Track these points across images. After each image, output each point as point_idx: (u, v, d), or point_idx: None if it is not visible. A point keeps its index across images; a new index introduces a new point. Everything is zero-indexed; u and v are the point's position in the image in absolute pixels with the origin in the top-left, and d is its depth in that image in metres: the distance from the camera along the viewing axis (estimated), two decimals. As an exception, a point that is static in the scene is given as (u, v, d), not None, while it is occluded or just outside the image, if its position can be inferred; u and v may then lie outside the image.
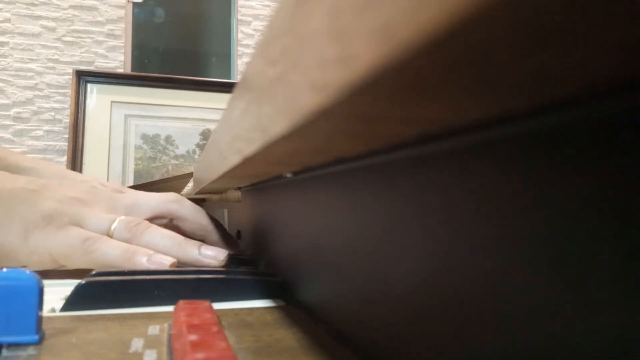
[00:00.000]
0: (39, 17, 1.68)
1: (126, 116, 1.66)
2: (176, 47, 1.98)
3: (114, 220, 0.37)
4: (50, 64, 1.69)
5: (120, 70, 1.74)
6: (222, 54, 1.96)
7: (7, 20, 1.65)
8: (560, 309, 0.10)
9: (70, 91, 1.63)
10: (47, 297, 0.21)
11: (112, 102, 1.64)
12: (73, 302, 0.27)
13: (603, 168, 0.09)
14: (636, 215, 0.08)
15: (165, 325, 0.23)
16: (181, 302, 0.23)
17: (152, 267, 0.33)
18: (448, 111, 0.10)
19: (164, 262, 0.34)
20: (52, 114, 1.68)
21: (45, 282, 0.21)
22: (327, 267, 0.23)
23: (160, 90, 1.67)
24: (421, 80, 0.08)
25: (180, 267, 0.35)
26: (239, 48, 1.89)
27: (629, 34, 0.06)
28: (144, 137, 1.67)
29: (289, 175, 0.26)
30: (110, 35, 1.75)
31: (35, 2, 1.68)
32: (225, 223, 0.62)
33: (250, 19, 1.91)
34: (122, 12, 1.77)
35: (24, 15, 1.67)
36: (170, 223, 0.41)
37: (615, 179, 0.09)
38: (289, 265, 0.30)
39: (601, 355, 0.09)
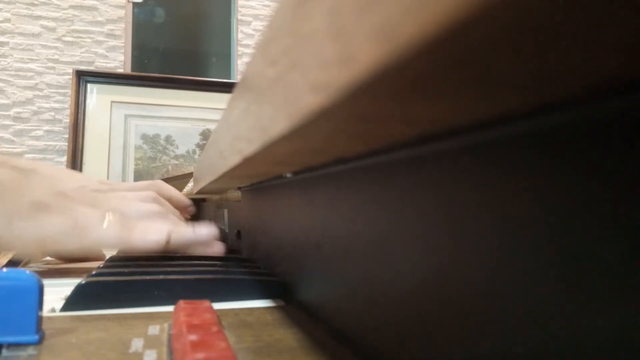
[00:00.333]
0: (39, 17, 1.68)
1: (126, 116, 1.66)
2: (176, 47, 1.98)
3: (104, 217, 0.38)
4: (50, 64, 1.69)
5: (120, 70, 1.74)
6: (222, 54, 1.96)
7: (7, 20, 1.65)
8: (560, 309, 0.10)
9: (70, 91, 1.63)
10: (47, 297, 0.21)
11: (112, 102, 1.64)
12: (73, 302, 0.27)
13: (603, 168, 0.09)
14: (636, 215, 0.08)
15: (165, 325, 0.23)
16: (181, 302, 0.23)
17: (147, 241, 0.36)
18: (448, 111, 0.10)
19: (161, 237, 0.36)
20: (52, 114, 1.68)
21: (45, 282, 0.21)
22: (327, 267, 0.23)
23: (160, 90, 1.67)
24: (421, 80, 0.08)
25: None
26: (239, 48, 1.89)
27: (629, 34, 0.06)
28: (144, 137, 1.67)
29: (289, 175, 0.26)
30: (110, 35, 1.75)
31: (35, 2, 1.68)
32: (225, 223, 0.62)
33: (250, 19, 1.91)
34: (122, 12, 1.77)
35: (24, 15, 1.67)
36: None
37: (615, 179, 0.09)
38: (289, 265, 0.30)
39: (601, 356, 0.09)
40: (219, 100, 1.69)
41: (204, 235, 0.39)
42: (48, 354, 0.19)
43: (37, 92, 1.67)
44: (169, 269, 0.33)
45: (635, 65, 0.07)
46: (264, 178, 0.31)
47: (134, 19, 1.80)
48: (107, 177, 1.56)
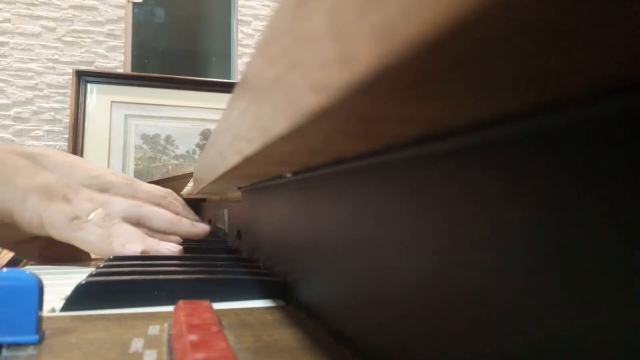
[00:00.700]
0: (39, 17, 1.68)
1: (126, 116, 1.66)
2: (176, 47, 1.98)
3: (93, 211, 0.43)
4: (50, 64, 1.69)
5: (120, 70, 1.74)
6: (222, 54, 1.96)
7: (7, 20, 1.65)
8: (560, 309, 0.10)
9: (70, 91, 1.63)
10: (47, 297, 0.21)
11: (112, 102, 1.64)
12: (73, 302, 0.27)
13: (603, 168, 0.09)
14: (636, 215, 0.08)
15: (165, 325, 0.23)
16: (181, 302, 0.23)
17: (126, 253, 0.40)
18: (448, 111, 0.10)
19: (136, 249, 0.41)
20: (52, 114, 1.68)
21: (45, 282, 0.21)
22: (327, 267, 0.23)
23: (160, 90, 1.67)
24: (421, 81, 0.08)
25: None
26: (239, 48, 1.89)
27: (629, 34, 0.06)
28: (144, 137, 1.67)
29: (289, 175, 0.26)
30: (110, 35, 1.75)
31: (35, 2, 1.68)
32: (225, 223, 0.62)
33: (250, 19, 1.91)
34: (122, 12, 1.77)
35: (24, 15, 1.67)
36: (139, 222, 0.47)
37: (615, 179, 0.09)
38: (289, 265, 0.30)
39: (601, 356, 0.09)
40: (219, 100, 1.69)
41: (165, 249, 0.42)
42: (48, 354, 0.19)
43: (37, 92, 1.67)
44: (169, 269, 0.33)
45: (635, 65, 0.07)
46: (264, 178, 0.31)
47: (134, 19, 1.81)
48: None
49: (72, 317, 0.25)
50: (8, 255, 1.11)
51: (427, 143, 0.14)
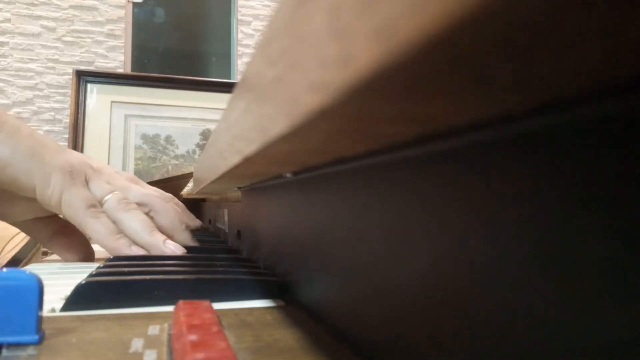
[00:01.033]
0: (39, 17, 1.68)
1: (126, 116, 1.66)
2: (176, 47, 1.98)
3: (111, 192, 0.45)
4: (50, 64, 1.69)
5: (120, 70, 1.74)
6: (222, 54, 1.96)
7: (7, 20, 1.65)
8: (559, 308, 0.10)
9: (70, 91, 1.63)
10: (47, 297, 0.21)
11: (112, 102, 1.64)
12: (73, 302, 0.27)
13: (603, 168, 0.09)
14: (636, 215, 0.08)
15: (165, 325, 0.23)
16: (181, 302, 0.23)
17: (129, 254, 0.41)
18: (448, 111, 0.10)
19: (139, 252, 0.42)
20: (52, 114, 1.68)
21: (45, 282, 0.21)
22: (327, 267, 0.23)
23: (160, 90, 1.67)
24: (421, 80, 0.08)
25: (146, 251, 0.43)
26: (239, 48, 1.89)
27: (628, 34, 0.06)
28: (144, 137, 1.67)
29: (289, 175, 0.26)
30: (110, 35, 1.75)
31: (35, 2, 1.68)
32: (225, 223, 0.62)
33: (250, 19, 1.91)
34: (122, 12, 1.77)
35: (24, 15, 1.67)
36: (148, 213, 0.49)
37: (615, 179, 0.09)
38: (289, 265, 0.30)
39: (601, 356, 0.09)
40: (219, 100, 1.69)
41: (169, 248, 0.43)
42: (48, 354, 0.19)
43: (37, 92, 1.67)
44: (169, 269, 0.33)
45: (635, 65, 0.07)
46: (263, 178, 0.31)
47: (134, 19, 1.81)
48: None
49: (72, 317, 0.25)
50: (8, 255, 1.11)
51: (427, 143, 0.14)
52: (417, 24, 0.06)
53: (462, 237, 0.13)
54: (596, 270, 0.09)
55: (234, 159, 0.21)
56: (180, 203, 0.57)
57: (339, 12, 0.08)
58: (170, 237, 0.48)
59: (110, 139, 1.63)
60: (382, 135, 0.13)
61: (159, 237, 0.43)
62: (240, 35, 1.89)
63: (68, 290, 0.27)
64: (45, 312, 0.24)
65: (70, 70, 1.64)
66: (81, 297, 0.27)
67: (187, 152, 1.71)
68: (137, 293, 0.28)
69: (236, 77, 1.88)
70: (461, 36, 0.06)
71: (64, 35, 1.70)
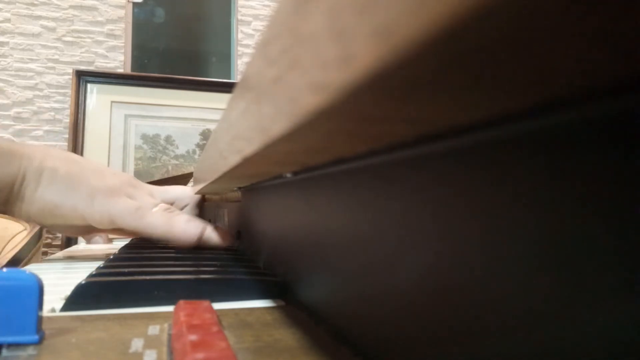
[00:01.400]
0: (39, 17, 1.68)
1: (126, 116, 1.66)
2: (176, 47, 1.98)
3: (156, 205, 0.49)
4: (50, 64, 1.69)
5: (120, 70, 1.74)
6: (222, 54, 1.96)
7: (7, 20, 1.65)
8: (560, 309, 0.10)
9: (70, 91, 1.63)
10: (47, 297, 0.21)
11: (112, 102, 1.64)
12: (73, 302, 0.27)
13: (603, 168, 0.09)
14: (636, 215, 0.08)
15: (165, 325, 0.23)
16: (181, 302, 0.23)
17: (188, 233, 0.45)
18: (448, 111, 0.10)
19: (196, 231, 0.46)
20: (52, 114, 1.68)
21: (45, 282, 0.21)
22: (327, 267, 0.23)
23: (160, 90, 1.67)
24: (421, 81, 0.08)
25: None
26: (239, 48, 1.89)
27: (628, 34, 0.06)
28: (144, 137, 1.67)
29: (289, 175, 0.26)
30: (110, 35, 1.75)
31: (35, 2, 1.68)
32: (225, 223, 0.62)
33: (250, 19, 1.91)
34: (122, 12, 1.77)
35: (24, 15, 1.67)
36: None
37: (615, 178, 0.09)
38: (289, 265, 0.30)
39: (601, 356, 0.09)
40: (219, 100, 1.69)
41: (213, 240, 0.47)
42: (48, 354, 0.19)
43: (37, 92, 1.67)
44: (169, 269, 0.33)
45: (635, 65, 0.07)
46: (263, 178, 0.31)
47: (134, 19, 1.80)
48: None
49: (72, 317, 0.25)
50: (8, 255, 1.11)
51: (427, 143, 0.14)
52: (417, 24, 0.06)
53: (462, 237, 0.13)
54: (596, 269, 0.09)
55: (234, 159, 0.21)
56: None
57: (339, 12, 0.08)
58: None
59: (110, 139, 1.63)
60: (382, 135, 0.13)
61: (210, 229, 0.48)
62: (240, 35, 1.89)
63: (68, 290, 0.27)
64: (45, 312, 0.24)
65: (70, 70, 1.64)
66: (81, 297, 0.27)
67: (187, 152, 1.71)
68: (137, 293, 0.28)
69: (236, 77, 1.88)
70: (461, 36, 0.06)
71: (64, 35, 1.70)
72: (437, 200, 0.14)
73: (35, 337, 0.20)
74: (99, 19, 1.74)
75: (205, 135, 1.70)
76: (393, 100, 0.09)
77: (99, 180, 0.48)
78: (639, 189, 0.08)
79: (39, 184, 0.45)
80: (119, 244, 0.62)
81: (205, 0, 1.97)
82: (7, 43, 1.65)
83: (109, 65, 1.74)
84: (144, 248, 0.50)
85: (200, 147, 1.70)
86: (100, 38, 1.74)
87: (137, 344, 0.20)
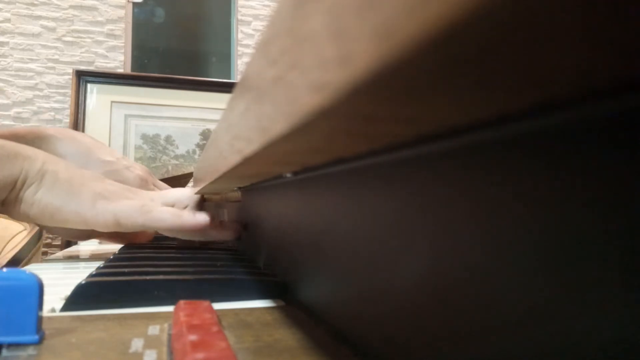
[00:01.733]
0: (39, 17, 1.68)
1: (126, 116, 1.66)
2: (176, 47, 1.98)
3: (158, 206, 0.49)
4: (50, 64, 1.69)
5: (120, 70, 1.74)
6: (222, 54, 1.96)
7: (7, 20, 1.65)
8: (560, 309, 0.10)
9: (70, 91, 1.63)
10: (47, 297, 0.21)
11: (112, 102, 1.64)
12: (73, 302, 0.27)
13: (603, 168, 0.09)
14: (636, 215, 0.08)
15: (165, 325, 0.23)
16: (181, 302, 0.23)
17: (198, 219, 0.45)
18: (448, 111, 0.10)
19: (206, 217, 0.45)
20: (52, 114, 1.68)
21: (45, 282, 0.21)
22: (327, 267, 0.23)
23: (160, 90, 1.67)
24: (421, 80, 0.08)
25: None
26: (239, 48, 1.89)
27: (628, 34, 0.06)
28: (144, 137, 1.67)
29: (289, 175, 0.26)
30: (110, 35, 1.75)
31: (35, 2, 1.68)
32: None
33: (250, 19, 1.91)
34: (122, 12, 1.77)
35: (24, 15, 1.67)
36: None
37: (615, 178, 0.09)
38: (289, 265, 0.30)
39: (601, 355, 0.09)
40: (219, 100, 1.69)
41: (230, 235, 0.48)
42: (48, 354, 0.19)
43: (37, 92, 1.67)
44: (169, 269, 0.33)
45: (635, 65, 0.07)
46: (263, 178, 0.31)
47: (134, 19, 1.80)
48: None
49: (72, 317, 0.25)
50: (8, 255, 1.11)
51: (427, 143, 0.14)
52: (417, 24, 0.06)
53: (462, 237, 0.13)
54: (596, 269, 0.09)
55: (234, 159, 0.21)
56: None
57: (339, 12, 0.08)
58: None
59: (110, 139, 1.63)
60: (382, 135, 0.13)
61: (206, 215, 0.48)
62: (240, 35, 1.89)
63: (68, 290, 0.27)
64: (45, 312, 0.24)
65: (70, 70, 1.64)
66: (81, 297, 0.27)
67: (187, 152, 1.71)
68: (137, 293, 0.28)
69: (236, 77, 1.88)
70: (461, 36, 0.06)
71: (64, 35, 1.70)
72: (437, 200, 0.14)
73: (35, 337, 0.20)
74: (99, 19, 1.74)
75: (205, 135, 1.70)
76: (393, 100, 0.09)
77: (100, 185, 0.48)
78: (639, 189, 0.08)
79: (40, 186, 0.45)
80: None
81: (205, 0, 1.97)
82: (7, 43, 1.65)
83: (109, 65, 1.74)
84: (144, 248, 0.50)
85: (200, 147, 1.70)
86: (100, 38, 1.74)
87: (137, 344, 0.20)
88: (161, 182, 0.70)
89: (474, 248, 0.13)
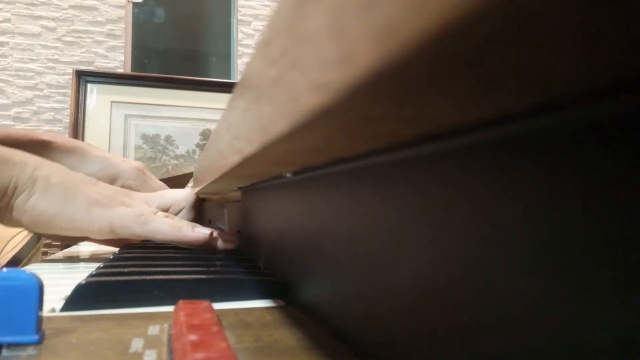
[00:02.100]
0: (39, 17, 1.68)
1: (126, 116, 1.66)
2: (176, 47, 1.98)
3: (154, 212, 0.47)
4: (50, 64, 1.69)
5: (120, 70, 1.74)
6: (222, 54, 1.96)
7: (7, 20, 1.65)
8: (560, 309, 0.10)
9: (70, 91, 1.63)
10: (47, 297, 0.21)
11: (112, 102, 1.64)
12: (73, 302, 0.27)
13: (603, 168, 0.09)
14: (636, 215, 0.08)
15: (165, 325, 0.23)
16: (181, 302, 0.23)
17: (196, 235, 0.44)
18: (448, 111, 0.10)
19: (206, 232, 0.44)
20: (52, 114, 1.68)
21: (45, 282, 0.21)
22: (327, 267, 0.23)
23: (160, 90, 1.67)
24: (421, 80, 0.08)
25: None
26: (239, 48, 1.89)
27: (628, 34, 0.06)
28: (144, 137, 1.67)
29: (289, 175, 0.26)
30: (110, 35, 1.75)
31: (35, 2, 1.68)
32: (225, 223, 0.62)
33: (250, 19, 1.91)
34: (122, 12, 1.77)
35: (24, 15, 1.67)
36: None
37: (615, 178, 0.09)
38: (289, 265, 0.30)
39: (601, 356, 0.09)
40: (219, 100, 1.69)
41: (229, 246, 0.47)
42: (48, 354, 0.19)
43: (37, 92, 1.67)
44: (169, 269, 0.33)
45: (635, 65, 0.07)
46: (263, 178, 0.31)
47: (134, 19, 1.80)
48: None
49: (72, 317, 0.25)
50: (8, 255, 1.11)
51: (427, 143, 0.14)
52: (417, 24, 0.06)
53: (462, 236, 0.13)
54: (596, 269, 0.09)
55: (234, 159, 0.21)
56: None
57: (339, 12, 0.08)
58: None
59: (110, 139, 1.63)
60: (382, 135, 0.13)
61: (205, 230, 0.46)
62: (240, 35, 1.89)
63: (68, 290, 0.27)
64: (45, 312, 0.24)
65: (70, 70, 1.64)
66: (81, 297, 0.27)
67: (187, 152, 1.71)
68: (137, 293, 0.28)
69: (236, 77, 1.88)
70: (461, 36, 0.06)
71: (64, 35, 1.70)
72: (437, 200, 0.14)
73: (35, 337, 0.20)
74: (99, 19, 1.74)
75: (205, 135, 1.70)
76: (393, 100, 0.09)
77: (94, 189, 0.46)
78: (639, 189, 0.08)
79: (32, 193, 0.44)
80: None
81: (205, 0, 1.97)
82: (7, 43, 1.65)
83: (109, 65, 1.74)
84: (144, 248, 0.50)
85: (200, 147, 1.70)
86: (100, 38, 1.74)
87: (137, 344, 0.20)
88: (157, 179, 0.69)
89: (474, 248, 0.13)
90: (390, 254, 0.17)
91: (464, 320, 0.13)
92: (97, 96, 1.63)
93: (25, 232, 1.21)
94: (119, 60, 1.75)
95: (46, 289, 0.21)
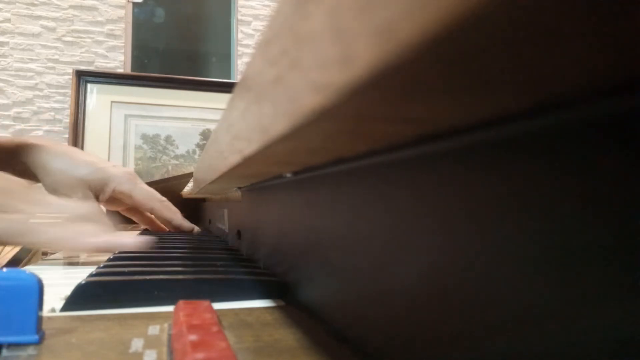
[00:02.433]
0: (39, 17, 1.68)
1: (126, 116, 1.66)
2: (176, 47, 1.98)
3: (45, 213, 0.42)
4: (50, 64, 1.69)
5: (120, 70, 1.74)
6: (222, 54, 1.96)
7: (7, 20, 1.66)
8: (560, 309, 0.10)
9: (70, 91, 1.63)
10: (47, 297, 0.21)
11: (112, 102, 1.64)
12: (73, 302, 0.27)
13: (603, 168, 0.09)
14: (635, 215, 0.08)
15: (165, 325, 0.23)
16: (181, 302, 0.23)
17: (99, 245, 0.40)
18: (448, 111, 0.10)
19: (96, 234, 0.40)
20: (52, 114, 1.68)
21: (45, 282, 0.21)
22: (327, 267, 0.23)
23: (160, 90, 1.67)
24: (421, 81, 0.08)
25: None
26: (239, 48, 1.89)
27: (628, 34, 0.06)
28: (144, 137, 1.67)
29: (289, 175, 0.26)
30: (110, 35, 1.75)
31: (35, 2, 1.68)
32: (225, 223, 0.62)
33: (250, 19, 1.91)
34: (122, 12, 1.77)
35: (24, 15, 1.67)
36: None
37: (615, 178, 0.09)
38: (289, 265, 0.30)
39: (600, 356, 0.09)
40: (219, 100, 1.69)
41: (128, 246, 0.42)
42: (48, 354, 0.19)
43: (37, 92, 1.67)
44: (169, 269, 0.33)
45: (634, 65, 0.07)
46: (263, 178, 0.31)
47: (134, 19, 1.81)
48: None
49: (72, 317, 0.25)
50: (8, 255, 1.11)
51: (427, 143, 0.14)
52: (417, 24, 0.06)
53: (462, 236, 0.13)
54: (596, 269, 0.09)
55: (234, 159, 0.21)
56: (173, 207, 0.61)
57: (339, 12, 0.08)
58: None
59: (110, 139, 1.63)
60: (382, 135, 0.13)
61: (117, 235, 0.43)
62: (240, 35, 1.89)
63: (68, 290, 0.27)
64: (45, 312, 0.24)
65: (70, 70, 1.64)
66: (81, 297, 0.27)
67: (187, 152, 1.71)
68: (137, 293, 0.28)
69: (236, 77, 1.88)
70: (461, 37, 0.06)
71: (64, 35, 1.70)
72: (437, 200, 0.14)
73: (35, 337, 0.20)
74: (99, 19, 1.74)
75: (205, 135, 1.70)
76: (393, 100, 0.09)
77: None
78: (639, 189, 0.08)
79: None
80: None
81: (205, 0, 1.97)
82: (7, 43, 1.65)
83: (109, 65, 1.74)
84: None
85: (200, 147, 1.70)
86: (100, 38, 1.74)
87: (137, 344, 0.20)
88: (147, 186, 0.66)
89: (474, 248, 0.13)
90: (390, 254, 0.17)
91: (464, 320, 0.13)
92: (97, 96, 1.63)
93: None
94: (119, 60, 1.76)
95: (46, 289, 0.21)
